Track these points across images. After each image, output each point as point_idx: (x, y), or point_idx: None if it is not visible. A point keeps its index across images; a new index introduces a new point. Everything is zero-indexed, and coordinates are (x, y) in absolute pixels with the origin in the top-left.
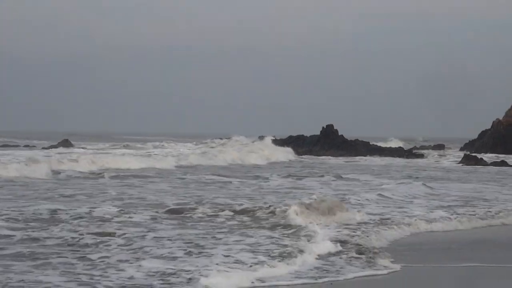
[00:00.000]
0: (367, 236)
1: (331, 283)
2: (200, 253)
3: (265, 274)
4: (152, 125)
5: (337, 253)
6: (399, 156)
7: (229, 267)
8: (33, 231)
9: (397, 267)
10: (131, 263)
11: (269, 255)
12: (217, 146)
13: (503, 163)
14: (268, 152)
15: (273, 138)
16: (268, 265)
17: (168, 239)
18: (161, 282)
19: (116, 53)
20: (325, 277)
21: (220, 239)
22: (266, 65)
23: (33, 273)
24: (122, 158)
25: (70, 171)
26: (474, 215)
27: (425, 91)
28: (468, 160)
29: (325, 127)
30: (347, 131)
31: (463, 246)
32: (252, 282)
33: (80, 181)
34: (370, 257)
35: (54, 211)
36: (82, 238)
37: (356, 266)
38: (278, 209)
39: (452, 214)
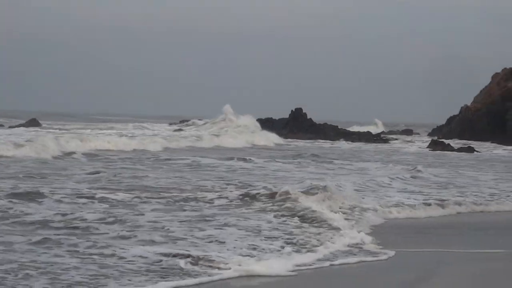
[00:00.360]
0: (356, 221)
1: None
2: (209, 236)
3: (298, 261)
4: (116, 106)
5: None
6: (367, 141)
7: (246, 253)
8: (20, 207)
9: (391, 252)
10: (136, 244)
11: (285, 242)
12: (200, 128)
13: (469, 149)
14: (253, 135)
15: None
16: (296, 252)
17: (165, 220)
18: (182, 265)
19: (87, 34)
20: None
21: (220, 221)
22: (245, 50)
23: (39, 253)
24: (110, 139)
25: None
26: (461, 203)
27: (413, 78)
28: (435, 145)
29: (294, 110)
30: (328, 115)
31: (452, 231)
32: (290, 270)
33: (55, 161)
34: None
35: (33, 191)
36: (71, 217)
37: (354, 254)
38: (277, 193)
39: (435, 200)
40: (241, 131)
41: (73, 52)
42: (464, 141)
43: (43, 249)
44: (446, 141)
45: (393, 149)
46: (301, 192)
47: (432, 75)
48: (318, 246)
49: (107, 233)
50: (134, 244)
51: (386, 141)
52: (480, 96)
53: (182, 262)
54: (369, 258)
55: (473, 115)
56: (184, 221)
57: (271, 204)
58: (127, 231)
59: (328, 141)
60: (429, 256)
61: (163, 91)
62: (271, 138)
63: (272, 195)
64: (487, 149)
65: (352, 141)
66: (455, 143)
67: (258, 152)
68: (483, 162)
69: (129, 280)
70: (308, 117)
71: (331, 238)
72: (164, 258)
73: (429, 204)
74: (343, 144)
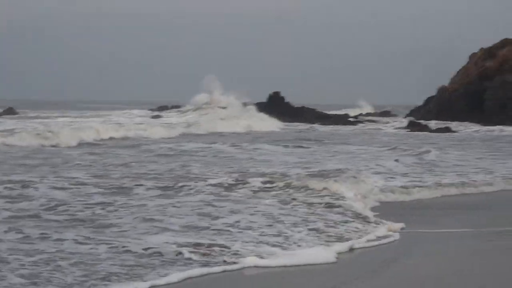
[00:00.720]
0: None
1: None
2: (228, 225)
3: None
4: (91, 93)
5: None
6: (344, 123)
7: (274, 241)
8: (18, 194)
9: (396, 234)
10: (155, 233)
11: (308, 229)
12: (182, 114)
13: (447, 130)
14: (250, 121)
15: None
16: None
17: (173, 206)
18: (212, 254)
19: (59, 20)
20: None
21: (229, 208)
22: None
23: (58, 241)
24: (108, 127)
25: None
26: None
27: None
28: (413, 126)
29: (271, 94)
30: (313, 99)
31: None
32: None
33: (45, 149)
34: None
35: (26, 179)
36: (74, 204)
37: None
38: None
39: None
40: (237, 116)
41: (44, 40)
42: (443, 122)
43: (59, 236)
44: (424, 122)
45: (371, 131)
46: (310, 176)
47: (418, 56)
48: (344, 233)
49: (117, 221)
50: (150, 231)
51: (363, 123)
52: (458, 76)
53: (212, 250)
54: (385, 241)
55: (450, 95)
56: (190, 207)
57: (278, 189)
58: (135, 218)
59: (306, 124)
60: (434, 236)
61: (137, 77)
62: (272, 122)
63: (274, 181)
64: (466, 128)
65: (329, 124)
66: (433, 123)
67: (248, 137)
68: (465, 142)
69: (167, 269)
70: (292, 101)
71: (352, 223)
72: (190, 248)
73: (427, 186)
74: (320, 127)
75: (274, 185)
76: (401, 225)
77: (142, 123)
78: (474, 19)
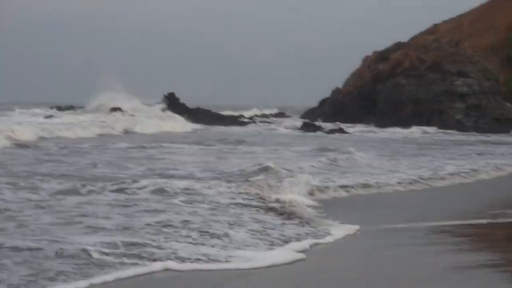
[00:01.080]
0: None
1: None
2: (161, 224)
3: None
4: None
5: None
6: (239, 124)
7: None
8: None
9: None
10: (86, 233)
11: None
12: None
13: (340, 130)
14: (160, 122)
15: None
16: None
17: (89, 204)
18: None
19: None
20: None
21: (157, 209)
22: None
23: None
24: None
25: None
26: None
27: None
28: (307, 127)
29: (166, 94)
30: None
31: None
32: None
33: None
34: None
35: None
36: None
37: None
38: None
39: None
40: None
41: None
42: (337, 123)
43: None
44: (318, 123)
45: (266, 131)
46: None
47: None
48: (292, 234)
49: (38, 219)
50: (77, 232)
51: (256, 123)
52: (352, 79)
53: (144, 251)
54: (342, 241)
55: (344, 97)
56: (108, 206)
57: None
58: (55, 216)
59: (201, 124)
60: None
61: (29, 77)
62: (184, 123)
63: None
64: (360, 130)
65: (223, 125)
66: (327, 125)
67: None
68: (359, 143)
69: (108, 269)
70: (187, 103)
71: (293, 223)
72: (127, 249)
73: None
74: (214, 127)
75: (192, 183)
76: (355, 226)
77: (49, 123)
78: (368, 24)
